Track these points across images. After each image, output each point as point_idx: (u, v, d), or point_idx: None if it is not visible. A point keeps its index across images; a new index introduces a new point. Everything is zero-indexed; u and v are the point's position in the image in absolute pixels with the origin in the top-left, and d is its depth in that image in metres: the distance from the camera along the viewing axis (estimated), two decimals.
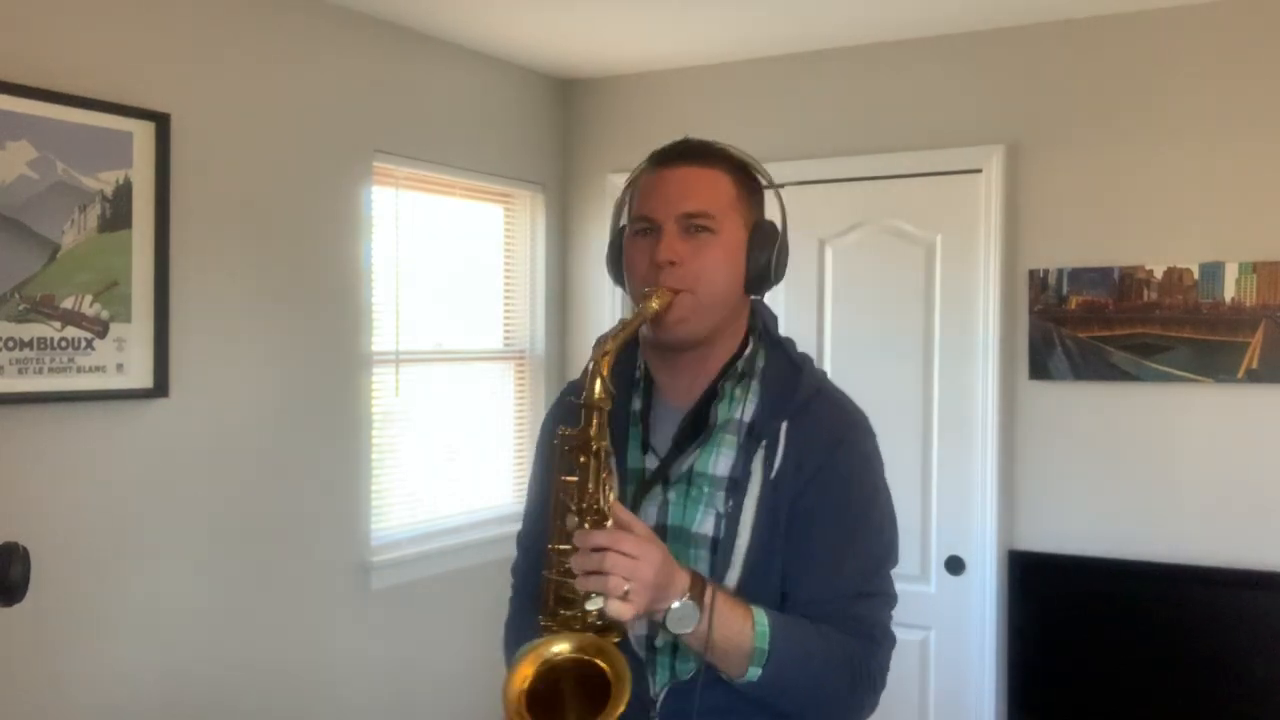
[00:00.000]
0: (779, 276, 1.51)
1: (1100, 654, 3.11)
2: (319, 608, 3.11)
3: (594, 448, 1.31)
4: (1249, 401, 3.00)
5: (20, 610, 1.57)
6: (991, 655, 3.27)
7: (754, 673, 1.33)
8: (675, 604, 1.28)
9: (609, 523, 1.28)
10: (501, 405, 3.84)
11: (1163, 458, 3.10)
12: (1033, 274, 3.24)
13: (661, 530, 1.43)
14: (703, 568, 1.41)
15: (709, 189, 1.44)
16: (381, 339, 3.33)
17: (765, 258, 1.47)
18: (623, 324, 1.37)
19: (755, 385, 1.47)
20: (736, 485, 1.42)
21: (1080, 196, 3.20)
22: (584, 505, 1.30)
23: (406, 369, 3.44)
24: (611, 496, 1.31)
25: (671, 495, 1.45)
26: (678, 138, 1.53)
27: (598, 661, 1.27)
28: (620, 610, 1.23)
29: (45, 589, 2.19)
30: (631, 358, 1.54)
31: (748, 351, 1.50)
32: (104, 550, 2.58)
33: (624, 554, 1.24)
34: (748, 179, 1.50)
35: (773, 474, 1.41)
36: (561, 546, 1.32)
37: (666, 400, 1.51)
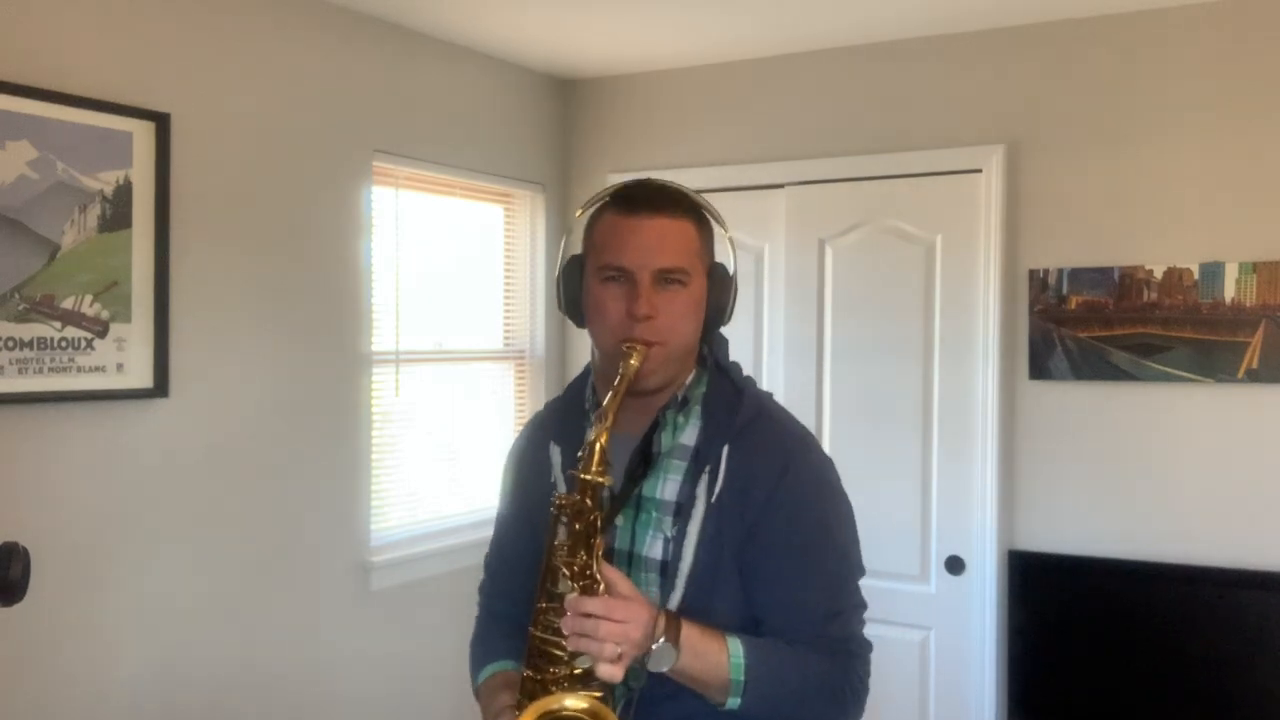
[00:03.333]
0: (730, 317, 1.57)
1: (1100, 654, 3.11)
2: (319, 607, 3.11)
3: (590, 517, 1.36)
4: (1249, 401, 3.00)
5: (20, 610, 1.57)
6: (991, 655, 3.27)
7: (733, 702, 1.39)
8: (654, 646, 1.33)
9: (600, 588, 1.33)
10: (501, 405, 3.84)
11: (1163, 457, 3.10)
12: (1033, 274, 3.24)
13: (609, 553, 1.47)
14: (653, 590, 1.46)
15: (681, 242, 1.47)
16: (381, 339, 3.33)
17: (723, 301, 1.54)
18: (613, 391, 1.41)
19: (698, 410, 1.52)
20: (681, 510, 1.46)
21: (1080, 196, 3.20)
22: (575, 570, 1.34)
23: (406, 369, 3.44)
24: (601, 562, 1.35)
25: (619, 520, 1.49)
26: (637, 178, 1.55)
27: None
28: (612, 673, 1.30)
29: (45, 589, 2.20)
30: (581, 388, 1.60)
31: (689, 379, 1.54)
32: (104, 550, 2.58)
33: (615, 621, 1.30)
34: (705, 224, 1.53)
35: (714, 498, 1.45)
36: (550, 605, 1.38)
37: (619, 430, 1.53)
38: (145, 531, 2.67)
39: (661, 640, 1.33)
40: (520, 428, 3.91)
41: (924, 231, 3.40)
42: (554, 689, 1.36)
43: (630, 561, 1.47)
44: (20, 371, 2.39)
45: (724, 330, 1.61)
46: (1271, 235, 2.98)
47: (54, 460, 2.48)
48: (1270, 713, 2.91)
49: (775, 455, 1.47)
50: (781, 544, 1.45)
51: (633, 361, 1.42)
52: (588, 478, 1.36)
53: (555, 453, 1.57)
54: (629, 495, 1.49)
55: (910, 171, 3.42)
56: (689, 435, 1.50)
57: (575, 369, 3.96)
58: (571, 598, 1.32)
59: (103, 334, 2.54)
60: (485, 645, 1.65)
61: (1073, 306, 3.18)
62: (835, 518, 1.51)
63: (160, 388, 2.66)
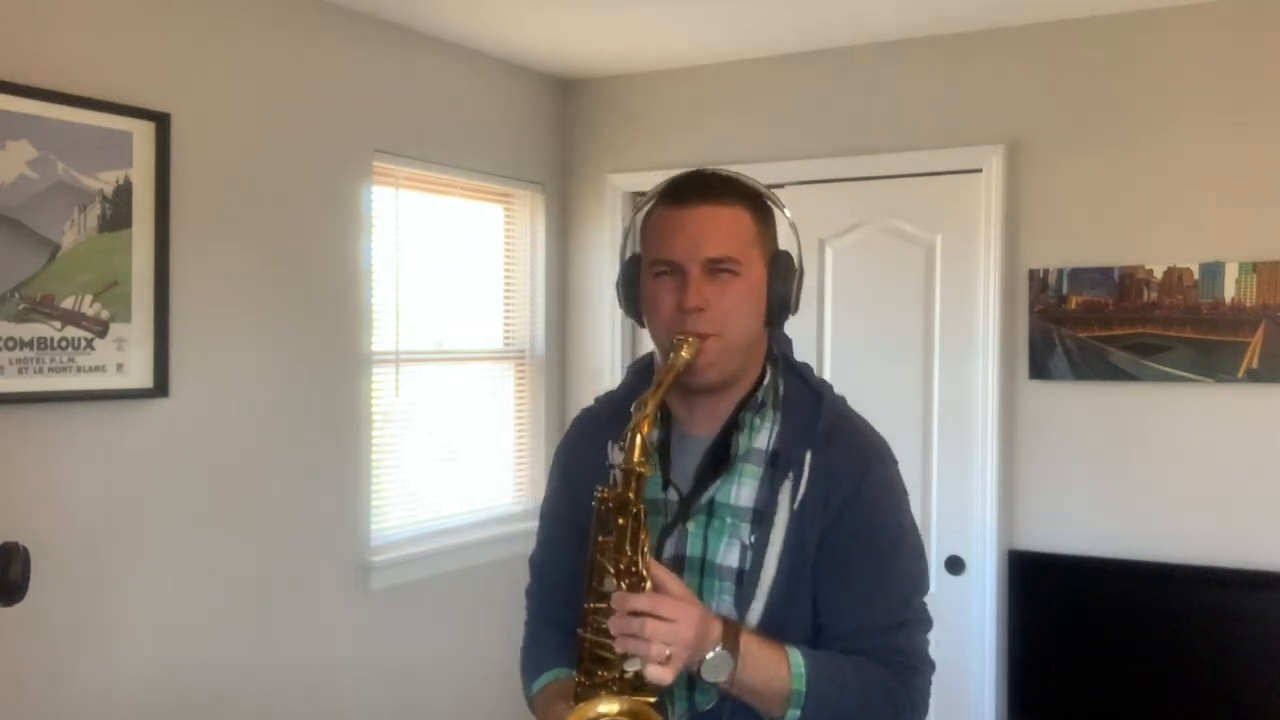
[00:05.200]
0: (797, 307, 1.50)
1: (1100, 654, 3.11)
2: (319, 608, 3.11)
3: (633, 510, 1.31)
4: (1249, 401, 3.00)
5: (20, 610, 1.57)
6: (991, 655, 3.27)
7: (793, 715, 1.34)
8: (709, 654, 1.29)
9: (647, 585, 1.29)
10: (501, 405, 3.84)
11: (1163, 458, 3.10)
12: (1033, 274, 3.24)
13: (680, 561, 1.43)
14: (727, 599, 1.40)
15: (732, 230, 1.41)
16: (381, 339, 3.33)
17: (785, 291, 1.47)
18: (658, 380, 1.36)
19: (775, 414, 1.46)
20: (761, 516, 1.40)
21: (1080, 196, 3.20)
22: (621, 567, 1.30)
23: (406, 369, 3.44)
24: (649, 557, 1.31)
25: (690, 526, 1.43)
26: (691, 169, 1.49)
27: None
28: (661, 675, 1.24)
29: (45, 589, 2.20)
30: (642, 389, 1.50)
31: (766, 380, 1.48)
32: (104, 550, 2.58)
33: (663, 619, 1.25)
34: (763, 210, 1.47)
35: (797, 504, 1.40)
36: (597, 606, 1.33)
37: (685, 432, 1.50)
38: (145, 531, 2.67)
39: (718, 648, 1.29)
40: (520, 428, 3.95)
41: (924, 231, 3.40)
42: (603, 693, 1.31)
43: (703, 569, 1.42)
44: (20, 371, 2.39)
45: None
46: (1271, 235, 2.98)
47: (54, 460, 2.48)
48: (1270, 713, 2.91)
49: (856, 462, 1.43)
50: (855, 550, 1.40)
51: (683, 354, 1.36)
52: (629, 468, 1.31)
53: (614, 452, 1.47)
54: (698, 499, 1.43)
55: (910, 171, 3.42)
56: (763, 439, 1.44)
57: (575, 369, 3.97)
58: (617, 595, 1.28)
59: (103, 334, 2.54)
60: (538, 652, 1.58)
61: (1073, 306, 3.18)
62: (909, 530, 1.48)
63: (160, 388, 2.66)
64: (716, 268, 1.40)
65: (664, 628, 1.24)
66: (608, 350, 3.90)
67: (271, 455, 2.97)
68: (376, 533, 3.31)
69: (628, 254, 1.54)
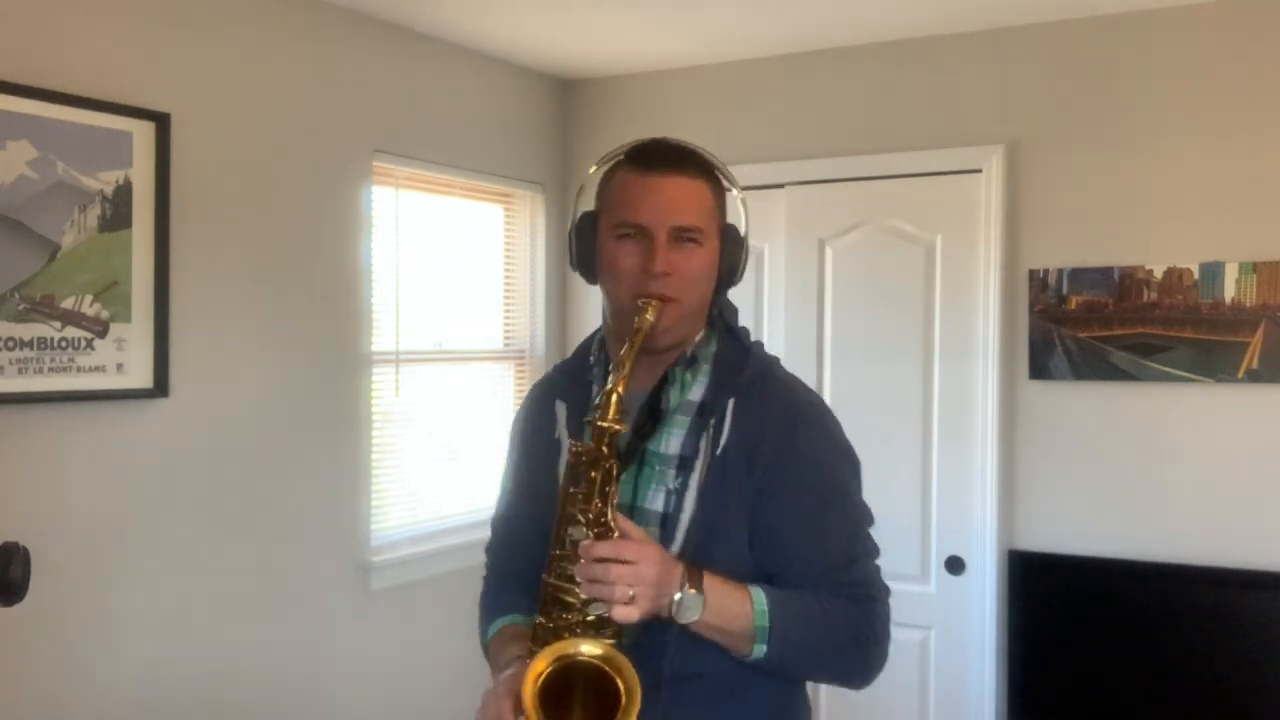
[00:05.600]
0: (741, 277, 1.58)
1: (1100, 654, 3.11)
2: (319, 607, 3.11)
3: (605, 465, 1.37)
4: (1249, 401, 3.00)
5: (20, 610, 1.57)
6: (991, 655, 3.27)
7: (759, 649, 1.39)
8: (678, 595, 1.34)
9: (614, 534, 1.34)
10: (502, 405, 3.84)
11: (1163, 458, 3.10)
12: (1033, 274, 3.24)
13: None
14: None
15: (697, 201, 1.49)
16: (381, 339, 3.33)
17: (735, 260, 1.55)
18: (628, 344, 1.42)
19: (706, 368, 1.53)
20: (685, 462, 1.47)
21: (1080, 196, 3.20)
22: (590, 517, 1.35)
23: (406, 369, 3.44)
24: (615, 509, 1.37)
25: (624, 475, 1.49)
26: (657, 135, 1.55)
27: (617, 680, 1.31)
28: (627, 614, 1.30)
29: (45, 589, 2.19)
30: (588, 348, 1.62)
31: (698, 338, 1.55)
32: (104, 550, 2.58)
33: (626, 561, 1.30)
34: (719, 185, 1.54)
35: (718, 449, 1.46)
36: (562, 553, 1.38)
37: (628, 389, 1.55)
38: (145, 531, 2.67)
39: (686, 588, 1.34)
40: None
41: (924, 231, 3.40)
42: (566, 635, 1.35)
43: (632, 515, 1.47)
44: (20, 371, 2.39)
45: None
46: (1271, 235, 2.98)
47: (54, 460, 2.48)
48: (1270, 713, 2.91)
49: (783, 412, 1.49)
50: (794, 497, 1.46)
51: (649, 316, 1.43)
52: (604, 424, 1.37)
53: (561, 409, 1.58)
54: (635, 450, 1.49)
55: (910, 171, 3.41)
56: (696, 392, 1.51)
57: None
58: (585, 543, 1.32)
59: (103, 334, 2.54)
60: (494, 601, 1.65)
61: (1073, 306, 3.18)
62: (846, 470, 1.54)
63: (160, 388, 2.66)
64: (683, 236, 1.47)
65: (627, 570, 1.30)
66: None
67: (271, 455, 2.97)
68: (376, 533, 3.31)
69: (580, 210, 1.59)
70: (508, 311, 3.88)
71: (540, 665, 1.31)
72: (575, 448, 1.41)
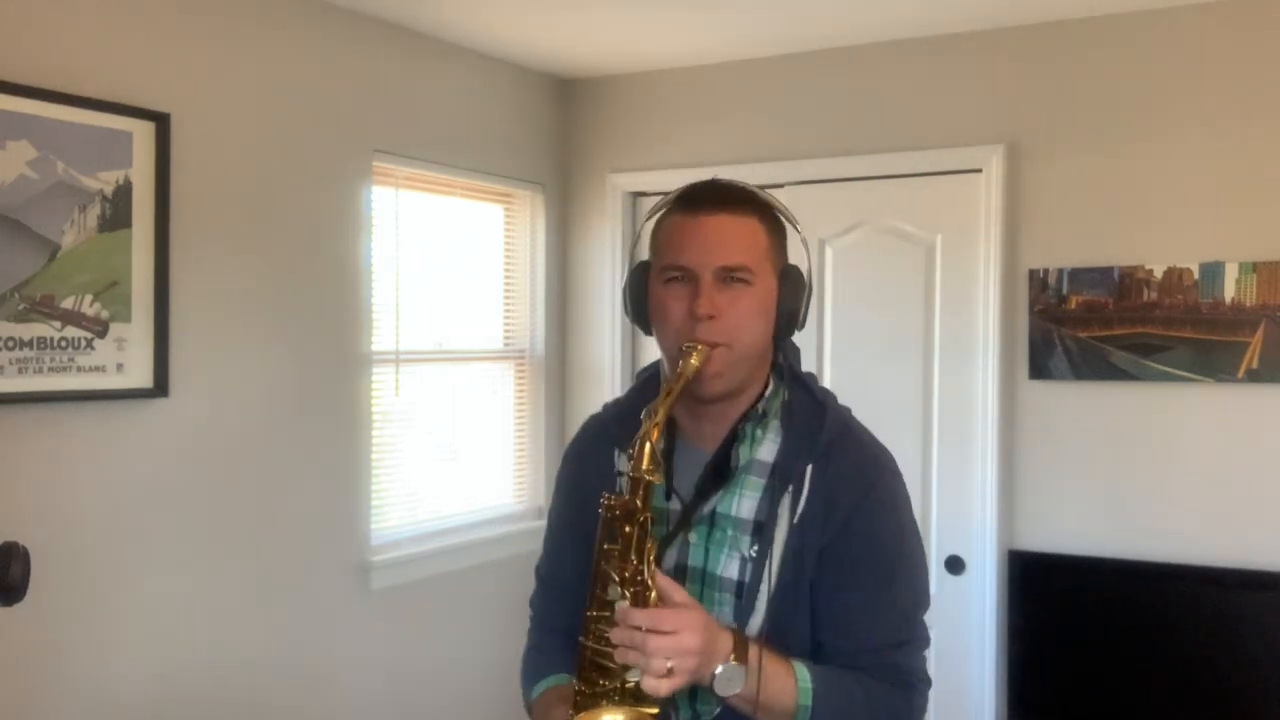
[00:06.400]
0: (804, 322, 1.49)
1: (1100, 654, 3.11)
2: (319, 607, 3.11)
3: (640, 518, 1.30)
4: (1249, 401, 3.00)
5: (20, 610, 1.57)
6: (991, 655, 3.27)
7: None
8: (720, 668, 1.27)
9: (652, 595, 1.28)
10: (501, 405, 3.84)
11: (1163, 458, 3.10)
12: (1033, 274, 3.24)
13: (681, 571, 1.43)
14: (727, 611, 1.40)
15: (746, 240, 1.41)
16: (381, 339, 3.33)
17: (795, 304, 1.45)
18: (668, 389, 1.35)
19: (776, 424, 1.46)
20: (761, 529, 1.40)
21: (1080, 196, 3.20)
22: (626, 575, 1.29)
23: (406, 369, 3.44)
24: (654, 566, 1.30)
25: (693, 537, 1.43)
26: (706, 179, 1.48)
27: None
28: (658, 687, 1.23)
29: (45, 589, 2.20)
30: (649, 398, 1.48)
31: (768, 391, 1.47)
32: (104, 550, 2.58)
33: (664, 633, 1.24)
34: (776, 224, 1.47)
35: (796, 518, 1.39)
36: (600, 614, 1.33)
37: (689, 443, 1.49)
38: (145, 531, 2.67)
39: (730, 661, 1.28)
40: (520, 428, 3.94)
41: (924, 231, 3.40)
42: (605, 703, 1.30)
43: (704, 580, 1.42)
44: (20, 371, 2.39)
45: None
46: (1271, 235, 2.98)
47: (54, 460, 2.48)
48: (1270, 713, 2.91)
49: (859, 477, 1.42)
50: (857, 566, 1.40)
51: (693, 361, 1.35)
52: (637, 476, 1.30)
53: (622, 461, 1.49)
54: (699, 510, 1.43)
55: (910, 171, 3.41)
56: (767, 450, 1.44)
57: (575, 369, 3.97)
58: (621, 607, 1.27)
59: (103, 334, 2.54)
60: (538, 658, 1.58)
61: (1073, 306, 3.18)
62: (910, 547, 1.47)
63: (160, 388, 2.66)
64: (730, 276, 1.39)
65: (666, 641, 1.23)
66: (608, 350, 3.90)
67: (271, 455, 2.97)
68: (376, 533, 3.31)
69: (635, 261, 1.53)
70: (508, 311, 3.88)
71: None
72: (608, 500, 1.33)
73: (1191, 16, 3.07)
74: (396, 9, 3.19)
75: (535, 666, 1.56)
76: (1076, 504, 3.20)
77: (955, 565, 3.33)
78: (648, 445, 1.31)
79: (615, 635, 1.26)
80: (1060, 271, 3.20)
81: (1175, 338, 3.06)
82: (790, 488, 1.40)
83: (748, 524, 1.41)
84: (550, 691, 1.49)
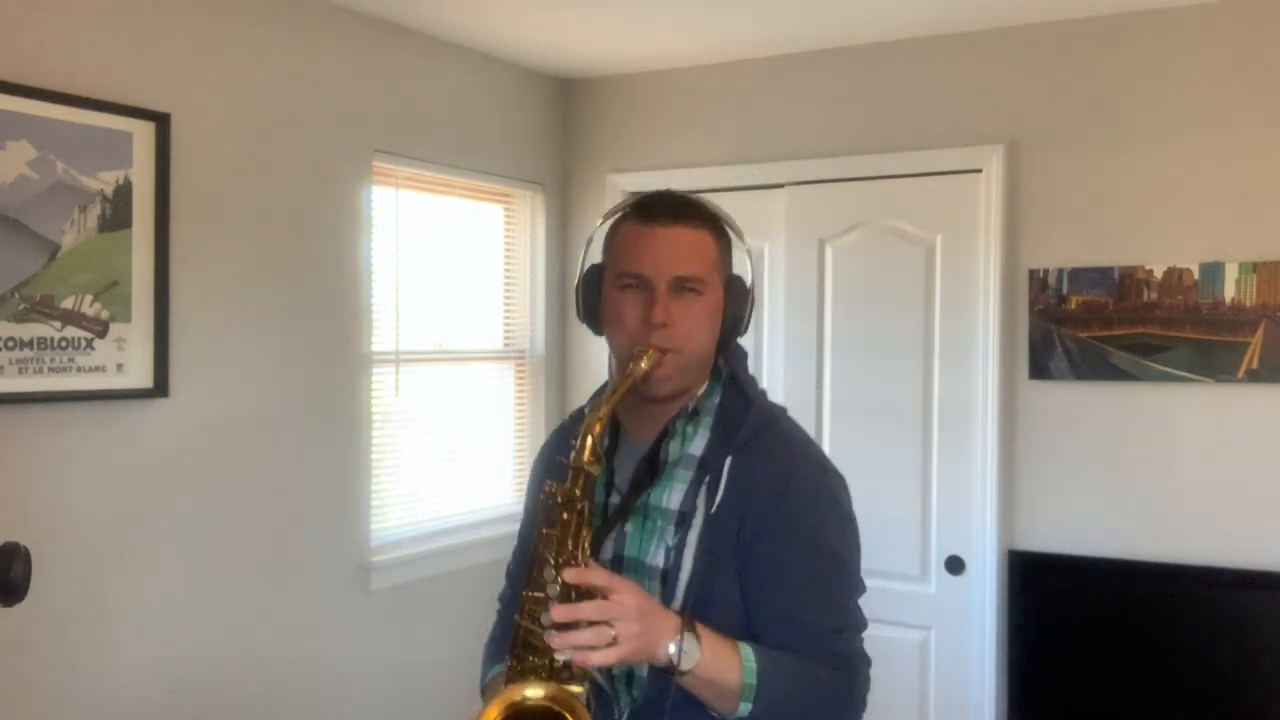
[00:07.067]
0: (747, 328, 1.58)
1: (1100, 654, 3.11)
2: (318, 608, 3.11)
3: (578, 506, 1.35)
4: (1249, 401, 3.00)
5: (20, 610, 1.57)
6: (991, 655, 3.27)
7: (744, 708, 1.36)
8: (672, 646, 1.31)
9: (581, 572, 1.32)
10: (501, 405, 3.84)
11: (1163, 458, 3.10)
12: (1033, 274, 3.24)
13: (618, 561, 1.49)
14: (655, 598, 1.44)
15: (699, 252, 1.49)
16: (381, 339, 3.33)
17: (740, 312, 1.55)
18: (613, 387, 1.43)
19: (709, 421, 1.53)
20: (683, 518, 1.47)
21: (1080, 196, 3.20)
22: (562, 560, 1.33)
23: (406, 369, 3.44)
24: (588, 554, 1.35)
25: (629, 527, 1.50)
26: (658, 190, 1.56)
27: (564, 712, 1.30)
28: (588, 658, 1.27)
29: (45, 589, 2.19)
30: (596, 397, 1.59)
31: (701, 390, 1.55)
32: (104, 550, 2.58)
33: (593, 622, 1.27)
34: (723, 235, 1.55)
35: (714, 508, 1.45)
36: (535, 594, 1.37)
37: (631, 440, 1.57)
38: (145, 531, 2.67)
39: (686, 636, 1.32)
40: (520, 428, 3.94)
41: (924, 231, 3.40)
42: (531, 678, 1.34)
43: (637, 569, 1.48)
44: (20, 371, 2.39)
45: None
46: (1271, 235, 2.98)
47: (54, 460, 2.48)
48: (1271, 712, 2.92)
49: (777, 468, 1.47)
50: (781, 559, 1.44)
51: (642, 364, 1.43)
52: (577, 466, 1.36)
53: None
54: (634, 503, 1.50)
55: (910, 171, 3.42)
56: (697, 445, 1.51)
57: (575, 369, 3.97)
58: (553, 601, 1.30)
59: (103, 334, 2.54)
60: (495, 647, 1.65)
61: (1073, 306, 3.18)
62: (838, 535, 1.50)
63: (160, 388, 2.66)
64: (683, 286, 1.47)
65: (589, 634, 1.27)
66: (607, 350, 3.89)
67: (271, 455, 2.97)
68: (376, 533, 3.31)
69: (586, 264, 1.61)
70: (508, 311, 3.88)
71: (492, 714, 1.29)
72: (549, 486, 1.38)
73: (1192, 16, 3.07)
74: (396, 9, 3.19)
75: (490, 654, 1.66)
76: (1076, 504, 3.20)
77: (955, 565, 3.33)
78: (589, 438, 1.37)
79: (545, 618, 1.30)
80: (1060, 271, 3.20)
81: (1175, 338, 3.06)
82: (708, 479, 1.47)
83: (673, 514, 1.48)
84: (499, 676, 1.53)
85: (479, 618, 3.69)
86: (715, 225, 1.53)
